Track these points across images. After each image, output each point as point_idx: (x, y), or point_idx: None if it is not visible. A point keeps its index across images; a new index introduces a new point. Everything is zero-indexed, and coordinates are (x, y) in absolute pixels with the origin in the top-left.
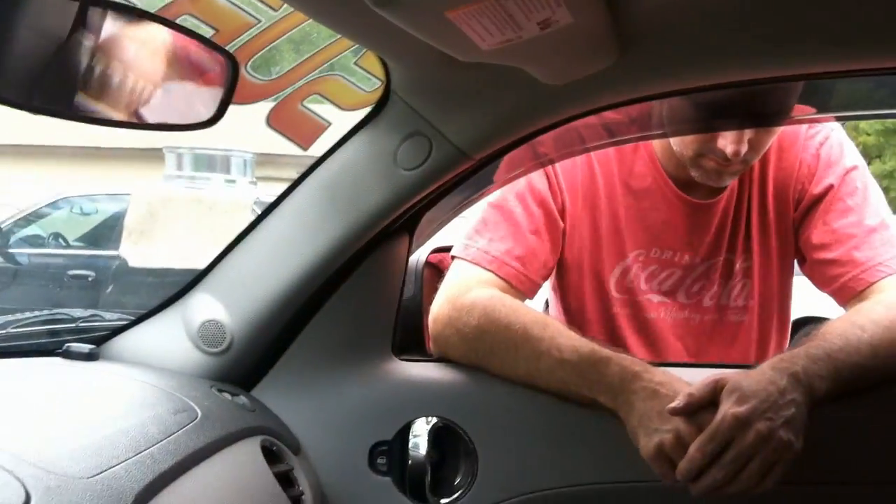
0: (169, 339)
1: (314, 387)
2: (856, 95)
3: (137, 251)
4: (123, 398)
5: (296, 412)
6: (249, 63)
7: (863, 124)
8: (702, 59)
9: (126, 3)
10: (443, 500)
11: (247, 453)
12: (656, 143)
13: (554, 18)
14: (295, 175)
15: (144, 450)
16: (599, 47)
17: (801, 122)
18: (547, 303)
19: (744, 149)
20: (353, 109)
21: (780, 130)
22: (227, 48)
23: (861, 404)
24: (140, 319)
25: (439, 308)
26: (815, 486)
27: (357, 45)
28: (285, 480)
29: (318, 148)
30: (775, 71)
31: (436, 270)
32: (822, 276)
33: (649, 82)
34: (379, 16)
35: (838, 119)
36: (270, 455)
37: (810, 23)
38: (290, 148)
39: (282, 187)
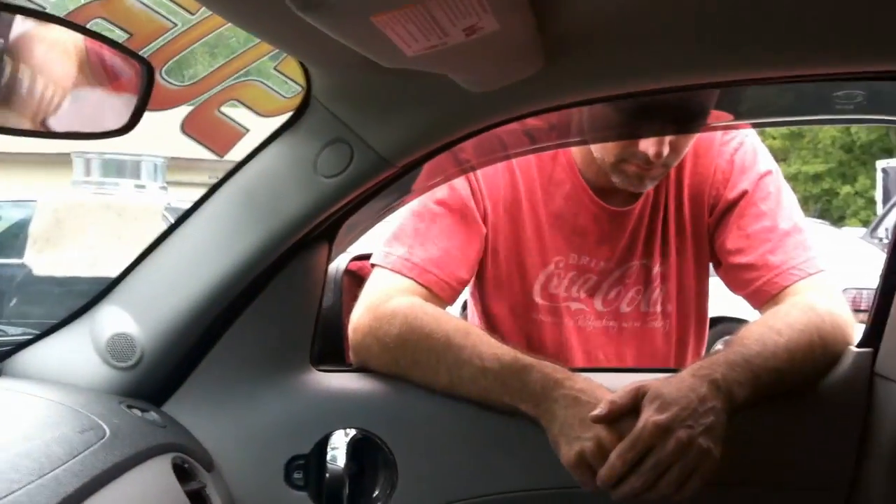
0: (76, 353)
1: (229, 400)
2: (767, 102)
3: (43, 259)
4: (26, 417)
5: (209, 427)
6: (164, 68)
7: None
8: (626, 67)
9: (36, 7)
10: None
11: (157, 472)
12: (575, 150)
13: (480, 25)
14: (208, 180)
15: (48, 472)
16: (525, 55)
17: (717, 128)
18: (465, 305)
19: (665, 150)
20: (272, 115)
21: (698, 135)
22: (141, 53)
23: (777, 408)
24: (45, 333)
25: (359, 317)
26: (735, 488)
27: (277, 50)
28: (197, 499)
29: (235, 154)
30: (696, 79)
31: (355, 279)
32: (738, 280)
33: (574, 90)
34: (301, 20)
35: (754, 126)
36: (182, 472)
37: (728, 33)
38: (203, 152)
39: (194, 192)
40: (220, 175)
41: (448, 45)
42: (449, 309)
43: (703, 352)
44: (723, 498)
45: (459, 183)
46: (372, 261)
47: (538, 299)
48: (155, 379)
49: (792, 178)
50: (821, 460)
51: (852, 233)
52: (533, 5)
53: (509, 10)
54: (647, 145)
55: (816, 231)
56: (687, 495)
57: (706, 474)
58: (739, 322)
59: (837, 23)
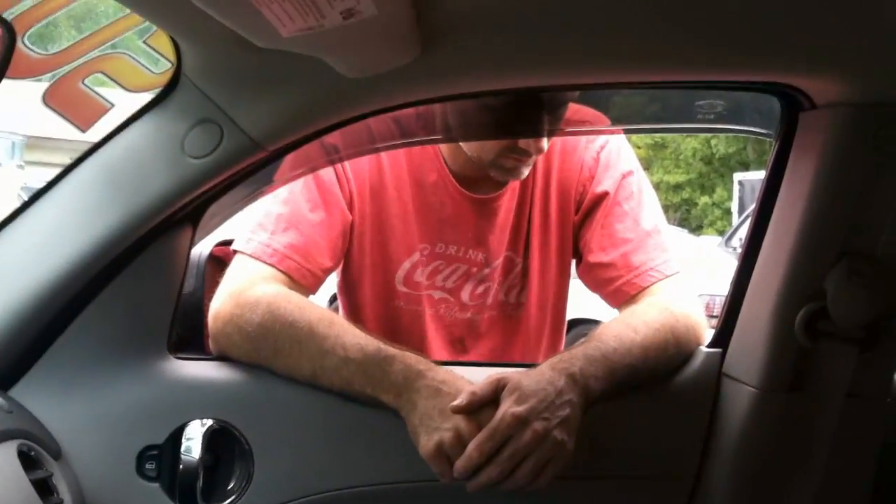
0: None
1: (80, 386)
2: (633, 109)
3: None
4: None
5: (58, 414)
6: (26, 35)
7: (635, 138)
8: (501, 62)
9: None
10: None
11: (1, 459)
12: None
13: (358, 9)
14: (69, 161)
15: None
16: (402, 42)
17: (589, 132)
18: (333, 298)
19: (546, 144)
20: (140, 91)
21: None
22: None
23: (629, 403)
24: None
25: (220, 305)
26: (586, 481)
27: (146, 24)
28: (43, 488)
29: (98, 132)
30: (568, 78)
31: (219, 264)
32: (597, 279)
33: (450, 81)
34: None
35: (625, 132)
36: (27, 460)
37: (602, 35)
38: (64, 132)
39: (54, 173)
40: None
41: (325, 28)
42: (314, 299)
43: (561, 347)
44: (575, 489)
45: (324, 169)
46: (234, 247)
47: (401, 287)
48: (2, 361)
49: (654, 187)
50: (668, 454)
51: (709, 241)
52: None
53: None
54: (528, 142)
55: (676, 238)
56: (541, 486)
57: (560, 466)
58: (595, 323)
59: (706, 32)
